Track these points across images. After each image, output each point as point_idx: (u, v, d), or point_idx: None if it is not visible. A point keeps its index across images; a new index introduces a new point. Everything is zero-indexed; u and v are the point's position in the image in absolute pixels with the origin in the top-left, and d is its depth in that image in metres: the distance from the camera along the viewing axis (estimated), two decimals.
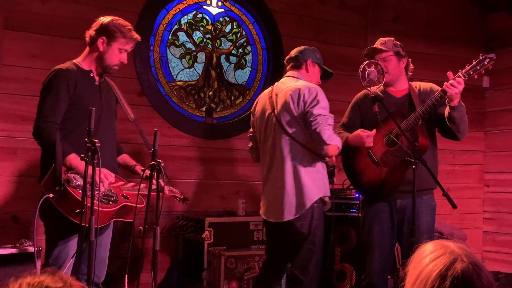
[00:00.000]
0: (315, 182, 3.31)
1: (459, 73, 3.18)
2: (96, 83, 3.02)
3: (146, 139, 3.26)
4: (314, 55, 3.50)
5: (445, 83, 3.16)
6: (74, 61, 3.01)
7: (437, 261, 1.37)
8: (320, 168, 3.36)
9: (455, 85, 3.12)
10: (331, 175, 3.44)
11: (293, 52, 3.53)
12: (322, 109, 3.24)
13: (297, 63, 3.49)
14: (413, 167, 2.99)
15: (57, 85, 2.86)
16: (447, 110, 3.25)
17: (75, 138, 2.85)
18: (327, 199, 3.39)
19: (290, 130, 3.33)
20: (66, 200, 2.67)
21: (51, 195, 2.65)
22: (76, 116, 2.88)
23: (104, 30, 2.97)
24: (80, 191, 2.63)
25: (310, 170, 3.32)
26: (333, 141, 3.23)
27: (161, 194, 2.66)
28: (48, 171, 2.73)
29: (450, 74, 3.17)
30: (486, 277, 1.36)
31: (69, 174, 2.73)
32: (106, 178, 2.80)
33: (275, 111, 3.38)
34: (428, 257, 1.39)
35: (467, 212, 5.86)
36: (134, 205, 2.89)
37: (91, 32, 3.01)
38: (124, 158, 3.25)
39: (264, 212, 3.49)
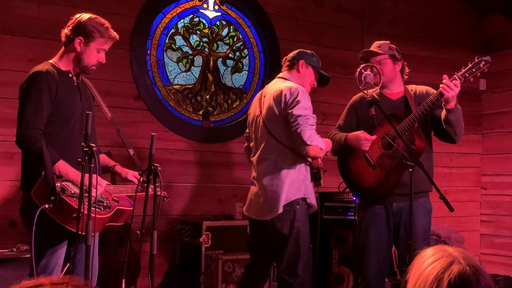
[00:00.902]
0: (295, 183, 3.30)
1: (455, 75, 3.19)
2: (75, 83, 2.91)
3: (124, 138, 3.22)
4: (308, 57, 3.50)
5: (441, 85, 3.16)
6: (51, 61, 2.88)
7: (434, 264, 1.38)
8: (302, 169, 3.34)
9: (452, 87, 3.13)
10: (315, 177, 3.40)
11: (290, 54, 3.55)
12: (302, 110, 3.23)
13: (290, 64, 3.50)
14: (410, 170, 2.99)
15: (38, 89, 2.73)
16: (443, 112, 3.25)
17: (60, 142, 2.78)
18: (311, 201, 3.37)
19: (274, 132, 3.34)
20: (62, 209, 2.59)
21: (47, 206, 2.55)
22: (59, 120, 2.79)
23: (81, 30, 2.84)
24: (76, 199, 2.59)
25: (291, 171, 3.31)
26: (314, 142, 3.20)
27: (158, 194, 2.61)
28: (37, 180, 2.62)
29: (445, 77, 3.18)
30: (485, 279, 1.36)
31: (63, 183, 2.65)
32: (99, 184, 2.72)
33: (262, 113, 3.42)
34: (427, 261, 1.40)
35: (464, 215, 5.86)
36: (126, 208, 2.87)
37: (66, 31, 2.87)
38: (103, 158, 3.14)
39: (246, 208, 3.52)
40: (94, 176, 2.64)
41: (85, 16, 2.89)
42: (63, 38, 2.90)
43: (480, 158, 6.06)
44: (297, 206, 3.30)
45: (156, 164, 2.58)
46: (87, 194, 2.56)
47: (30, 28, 4.20)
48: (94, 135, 2.98)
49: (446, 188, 5.51)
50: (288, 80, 3.44)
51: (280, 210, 3.27)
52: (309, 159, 3.34)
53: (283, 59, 3.59)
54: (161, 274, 4.49)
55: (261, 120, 3.42)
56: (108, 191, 2.90)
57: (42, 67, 2.81)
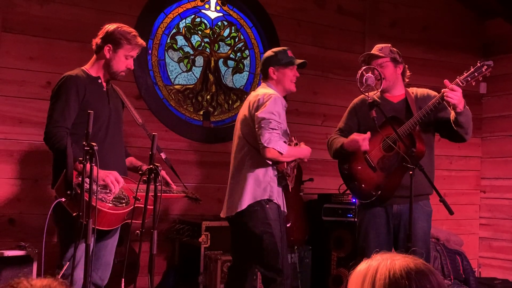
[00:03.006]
0: (261, 184, 3.37)
1: (457, 79, 3.19)
2: (104, 89, 3.10)
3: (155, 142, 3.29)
4: (273, 59, 3.51)
5: (445, 93, 3.16)
6: (83, 68, 3.08)
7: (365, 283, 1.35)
8: (270, 172, 3.40)
9: (454, 92, 3.13)
10: (279, 181, 3.43)
11: (260, 64, 3.64)
12: (267, 113, 3.30)
13: (263, 75, 3.58)
14: (410, 172, 2.99)
15: (66, 91, 2.93)
16: (452, 115, 3.25)
17: None
18: (277, 201, 3.39)
19: (244, 133, 3.45)
20: (77, 203, 2.67)
21: (63, 199, 2.68)
22: (85, 121, 2.82)
23: (109, 38, 3.04)
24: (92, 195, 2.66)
25: (257, 171, 3.38)
26: (271, 144, 3.26)
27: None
28: (60, 176, 2.77)
29: (446, 82, 3.19)
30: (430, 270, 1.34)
31: (80, 178, 2.71)
32: (117, 181, 2.86)
33: (239, 114, 3.56)
34: (370, 271, 1.40)
35: (463, 218, 5.87)
36: (147, 206, 2.91)
37: (97, 40, 3.08)
38: (131, 160, 3.33)
39: (222, 209, 3.59)
40: (112, 173, 2.84)
41: (113, 25, 3.09)
42: (93, 47, 3.10)
43: (480, 162, 6.07)
44: (267, 206, 3.35)
45: (157, 164, 2.59)
46: (106, 190, 2.79)
47: (31, 26, 4.20)
48: (121, 138, 3.20)
49: (446, 191, 5.51)
50: (270, 88, 3.51)
51: (244, 206, 3.33)
52: (270, 162, 3.38)
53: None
54: (160, 273, 4.49)
55: (238, 122, 3.55)
56: (132, 189, 2.99)
57: (73, 72, 3.02)
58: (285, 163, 3.43)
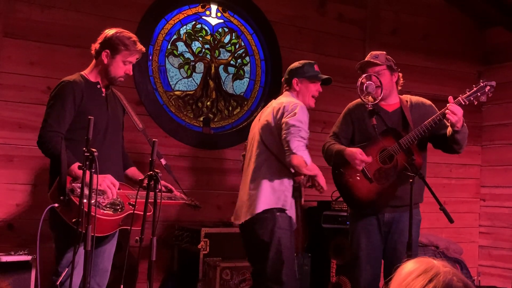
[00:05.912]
0: (275, 192, 3.34)
1: (459, 98, 3.21)
2: (103, 94, 3.09)
3: (156, 148, 3.26)
4: (299, 71, 3.50)
5: (447, 110, 3.16)
6: (82, 73, 3.08)
7: (420, 277, 1.37)
8: (285, 181, 3.37)
9: (456, 112, 3.14)
10: (295, 191, 3.41)
11: (285, 73, 3.58)
12: (297, 121, 3.26)
13: (287, 85, 3.55)
14: (410, 180, 3.00)
15: (63, 96, 2.92)
16: (449, 131, 3.26)
17: (82, 148, 2.83)
18: (289, 213, 3.36)
19: (265, 139, 3.40)
20: (70, 209, 2.70)
21: (56, 205, 2.69)
22: (82, 127, 2.84)
23: (107, 43, 3.04)
24: (84, 200, 2.63)
25: (274, 179, 3.35)
26: (300, 152, 3.21)
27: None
28: (55, 182, 2.76)
29: (451, 99, 3.20)
30: None
31: (73, 184, 2.75)
32: (113, 184, 2.85)
33: (260, 121, 3.50)
34: (412, 275, 1.38)
35: (463, 226, 5.86)
36: (141, 213, 2.88)
37: (96, 45, 3.08)
38: (133, 171, 3.31)
39: (233, 215, 3.56)
40: (107, 177, 2.82)
41: (112, 30, 3.09)
42: (92, 52, 3.10)
43: (480, 170, 6.06)
44: (277, 213, 3.32)
45: (157, 170, 2.58)
46: (100, 195, 2.75)
47: (32, 31, 4.21)
48: (119, 144, 3.17)
49: (445, 199, 5.51)
50: (291, 97, 3.48)
51: (256, 211, 3.30)
52: (292, 170, 3.35)
53: (282, 79, 3.61)
54: (158, 280, 4.48)
55: (256, 128, 3.49)
56: (127, 195, 2.98)
57: (71, 77, 3.02)
58: (303, 175, 3.39)
